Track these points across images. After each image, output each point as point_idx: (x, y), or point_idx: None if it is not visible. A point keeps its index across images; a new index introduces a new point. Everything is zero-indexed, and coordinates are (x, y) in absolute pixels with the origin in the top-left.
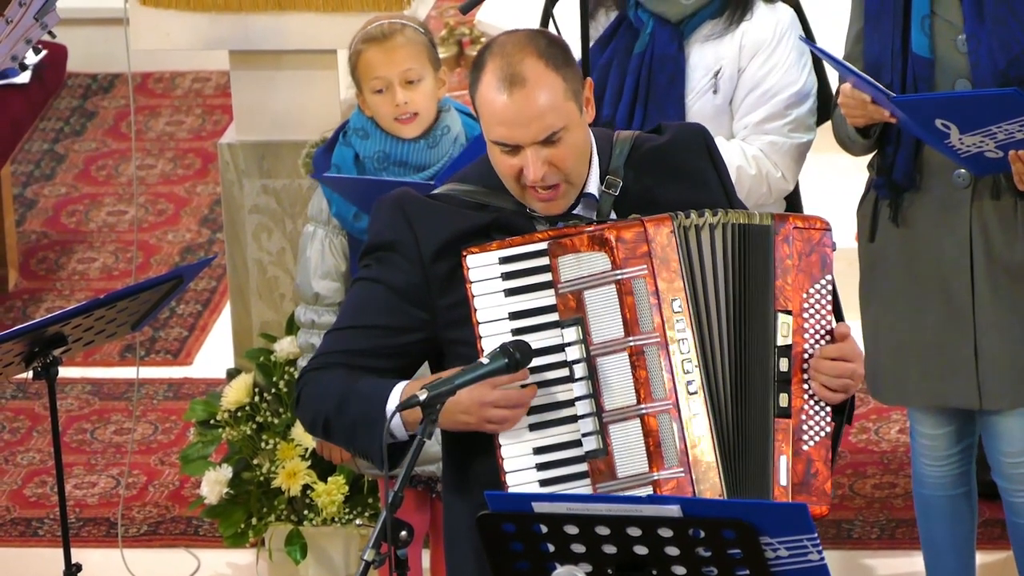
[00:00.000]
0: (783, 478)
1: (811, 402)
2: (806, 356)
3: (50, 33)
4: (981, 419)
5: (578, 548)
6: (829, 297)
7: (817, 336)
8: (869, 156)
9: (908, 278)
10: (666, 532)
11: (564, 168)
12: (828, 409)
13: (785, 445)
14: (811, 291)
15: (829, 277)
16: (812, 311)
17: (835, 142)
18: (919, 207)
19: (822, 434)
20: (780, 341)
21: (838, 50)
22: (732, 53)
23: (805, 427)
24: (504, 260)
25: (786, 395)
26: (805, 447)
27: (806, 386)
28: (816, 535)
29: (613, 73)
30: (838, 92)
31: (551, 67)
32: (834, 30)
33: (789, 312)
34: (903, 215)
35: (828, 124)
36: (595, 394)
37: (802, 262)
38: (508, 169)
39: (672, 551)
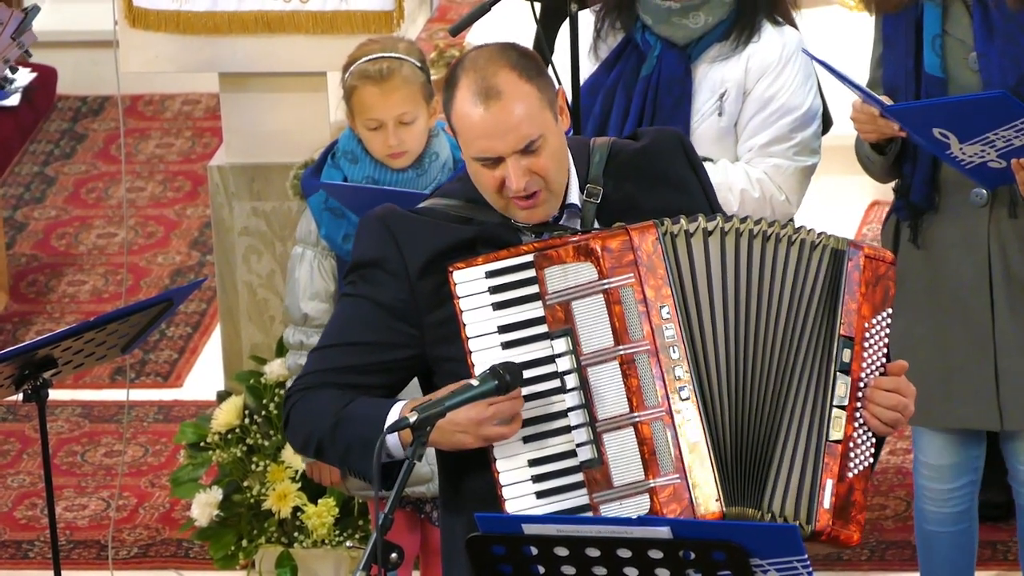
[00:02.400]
0: (827, 501)
1: (860, 431)
2: (861, 385)
3: (26, 52)
4: (1001, 435)
5: (568, 570)
6: (888, 331)
7: (873, 367)
8: (867, 176)
9: (929, 299)
10: (656, 554)
11: (544, 175)
12: (873, 440)
13: (833, 469)
14: (873, 321)
15: (890, 311)
16: (871, 341)
17: (831, 166)
18: (938, 228)
19: (865, 464)
20: (839, 366)
21: (860, 77)
22: (738, 75)
23: (852, 455)
24: (490, 274)
25: (840, 419)
26: (850, 474)
27: (857, 414)
28: (806, 556)
29: (619, 95)
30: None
31: (524, 78)
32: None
33: (851, 338)
34: (923, 236)
35: (836, 147)
36: (588, 404)
37: (868, 291)
38: (490, 182)
39: (662, 573)
